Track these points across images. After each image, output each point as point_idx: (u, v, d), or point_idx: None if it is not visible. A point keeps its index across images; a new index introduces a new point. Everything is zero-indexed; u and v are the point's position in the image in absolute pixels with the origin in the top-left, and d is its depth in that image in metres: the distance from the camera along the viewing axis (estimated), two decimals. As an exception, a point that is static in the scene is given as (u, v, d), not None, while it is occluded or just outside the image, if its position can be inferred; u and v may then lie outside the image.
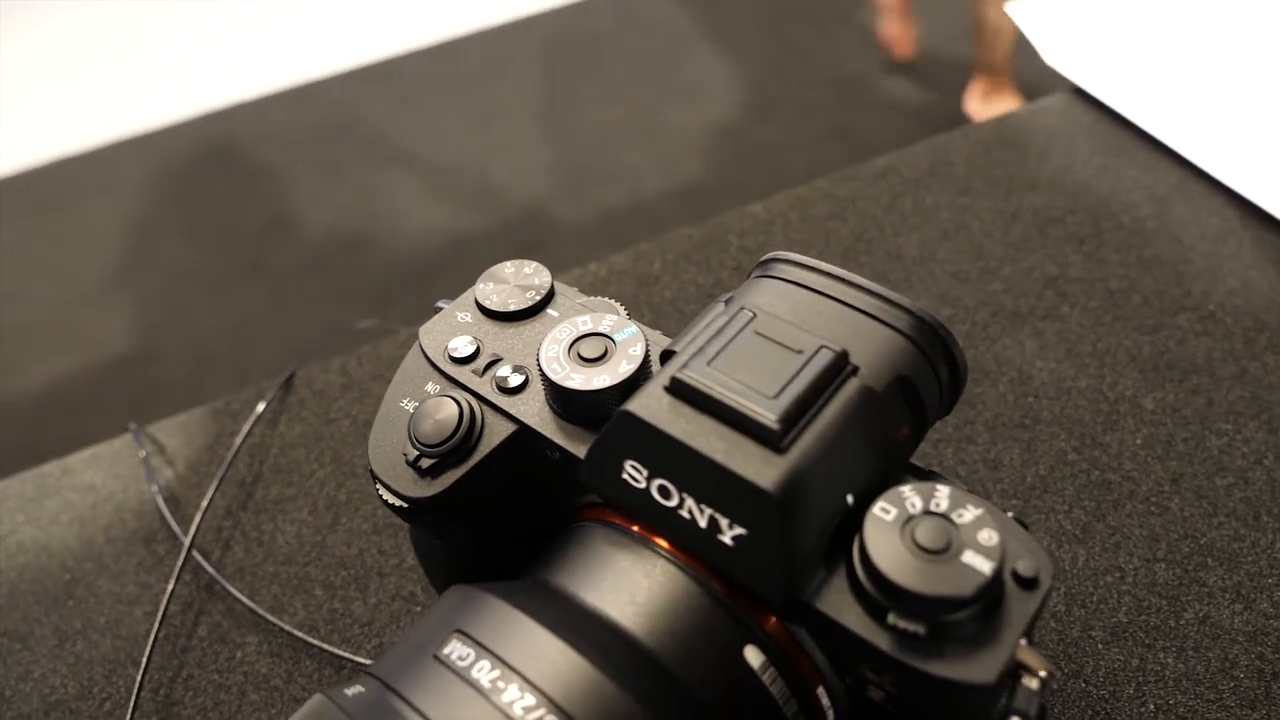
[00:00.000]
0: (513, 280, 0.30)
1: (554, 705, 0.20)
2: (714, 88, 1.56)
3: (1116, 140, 0.49)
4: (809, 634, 0.23)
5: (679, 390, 0.23)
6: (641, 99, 1.57)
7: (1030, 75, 0.46)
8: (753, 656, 0.23)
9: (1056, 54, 0.53)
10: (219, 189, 1.58)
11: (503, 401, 0.27)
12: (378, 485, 0.28)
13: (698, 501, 0.22)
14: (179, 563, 0.37)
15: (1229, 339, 0.40)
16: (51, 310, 1.40)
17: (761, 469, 0.21)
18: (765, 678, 0.23)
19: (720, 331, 0.24)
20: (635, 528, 0.24)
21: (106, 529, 0.39)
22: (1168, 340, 0.40)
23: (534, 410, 0.27)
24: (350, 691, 0.22)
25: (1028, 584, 0.22)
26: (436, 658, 0.22)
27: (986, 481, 0.36)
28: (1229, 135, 0.47)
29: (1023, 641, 0.21)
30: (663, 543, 0.24)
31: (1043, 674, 0.21)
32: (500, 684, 0.21)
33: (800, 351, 0.23)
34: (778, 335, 0.23)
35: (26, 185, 1.66)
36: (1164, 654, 0.32)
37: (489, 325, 0.29)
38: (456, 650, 0.22)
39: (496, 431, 0.27)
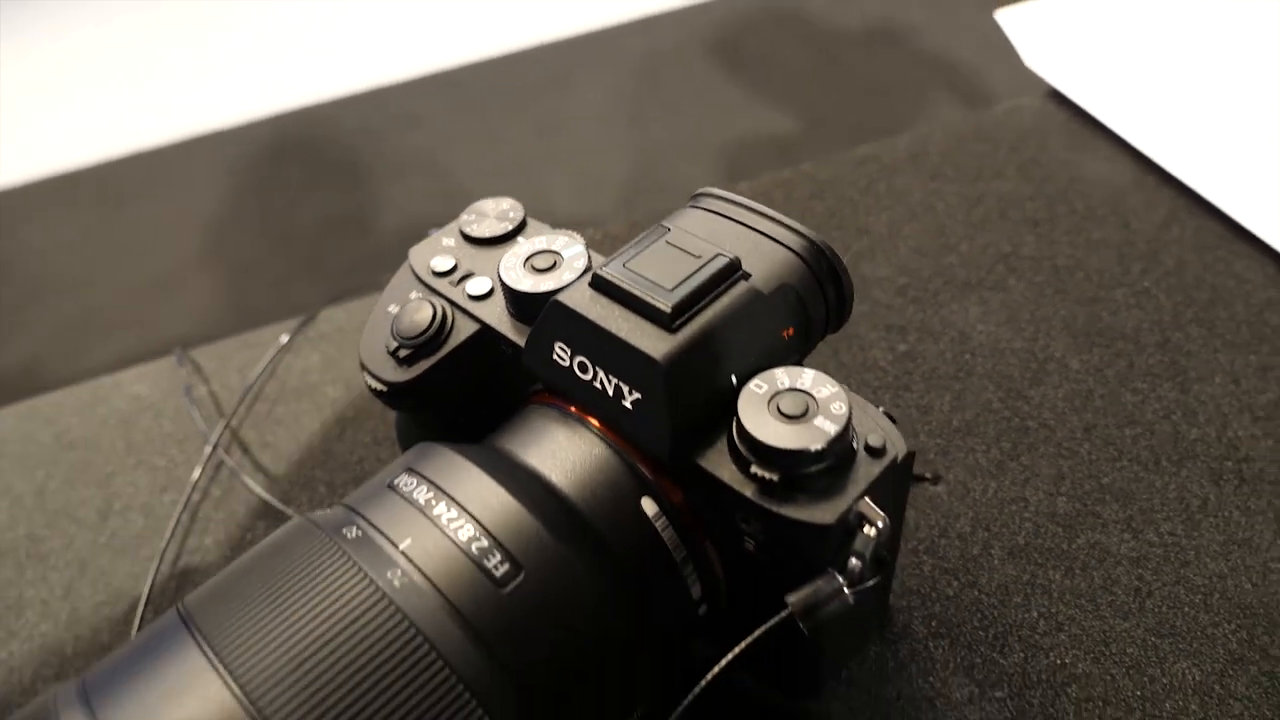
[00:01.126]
0: (492, 213, 0.35)
1: (475, 520, 0.25)
2: (764, 104, 1.60)
3: (1083, 137, 0.53)
4: (695, 491, 0.27)
5: (598, 284, 0.28)
6: (698, 115, 1.63)
7: (1010, 79, 0.50)
8: (648, 506, 0.27)
9: (1037, 59, 0.57)
10: (286, 188, 1.68)
11: (471, 306, 0.32)
12: (365, 373, 0.33)
13: (607, 373, 0.27)
14: (204, 458, 0.43)
15: (1158, 311, 0.43)
16: (118, 294, 1.50)
17: (654, 344, 0.26)
18: (658, 525, 0.27)
19: (640, 242, 0.29)
20: (572, 408, 0.29)
21: (146, 430, 0.45)
22: (1101, 311, 0.44)
23: (495, 314, 0.32)
24: (320, 514, 0.27)
25: (876, 453, 0.26)
26: (389, 486, 0.27)
27: (916, 423, 0.40)
28: (1184, 134, 0.51)
29: (866, 499, 0.25)
30: (589, 419, 0.29)
31: (880, 524, 0.25)
32: (433, 502, 0.26)
33: (699, 257, 0.27)
34: (684, 245, 0.28)
35: (102, 176, 1.77)
36: (1053, 571, 0.35)
37: (467, 248, 0.34)
38: (404, 481, 0.27)
39: (463, 329, 0.32)
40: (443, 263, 0.34)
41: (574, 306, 0.27)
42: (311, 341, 0.48)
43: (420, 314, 0.32)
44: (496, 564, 0.25)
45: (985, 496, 0.38)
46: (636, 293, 0.27)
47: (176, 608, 0.24)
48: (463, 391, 0.33)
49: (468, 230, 0.35)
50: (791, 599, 0.25)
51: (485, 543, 0.25)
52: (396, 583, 0.24)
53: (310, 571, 0.24)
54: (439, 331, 0.32)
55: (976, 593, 0.35)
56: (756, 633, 0.26)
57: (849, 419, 0.25)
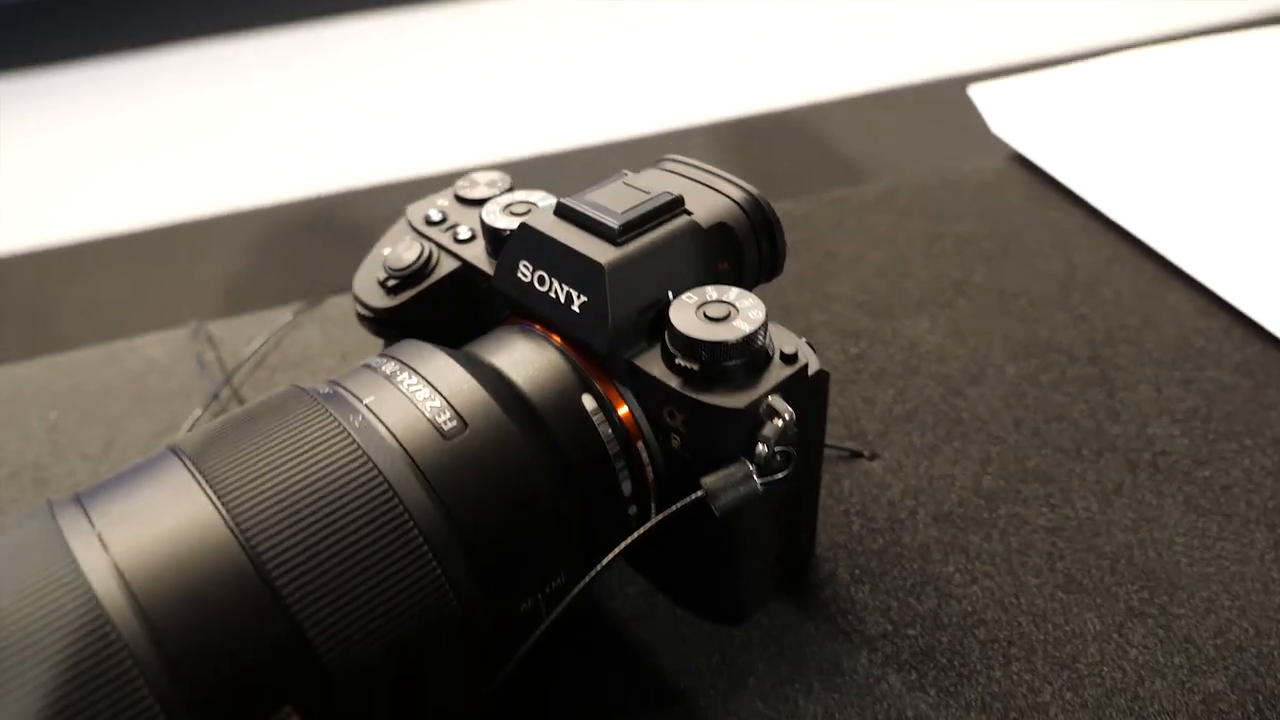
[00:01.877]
0: (482, 181, 0.40)
1: (432, 386, 0.29)
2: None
3: (1040, 191, 0.58)
4: (631, 393, 0.31)
5: (559, 211, 0.32)
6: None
7: (978, 145, 0.56)
8: (588, 402, 0.31)
9: (1004, 127, 0.63)
10: (326, 263, 1.75)
11: (455, 248, 0.37)
12: (356, 304, 0.37)
13: (561, 282, 0.31)
14: (205, 403, 0.46)
15: (1092, 333, 0.47)
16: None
17: (601, 253, 0.30)
18: (595, 419, 0.31)
19: (601, 184, 0.33)
20: (536, 326, 0.33)
21: (155, 387, 0.49)
22: (1040, 329, 0.47)
23: (474, 253, 0.36)
24: (311, 385, 0.30)
25: (789, 359, 0.30)
26: (367, 366, 0.30)
27: (860, 411, 0.44)
28: (1129, 188, 0.56)
29: (777, 395, 0.29)
30: (547, 333, 0.32)
31: (787, 416, 0.29)
32: (398, 374, 0.29)
33: (648, 193, 0.32)
34: (638, 184, 0.32)
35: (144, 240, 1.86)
36: (973, 535, 0.38)
37: (458, 206, 0.39)
38: (378, 361, 0.30)
39: (446, 266, 0.36)
40: (435, 214, 0.38)
41: (538, 227, 0.31)
42: (317, 321, 0.52)
43: (409, 251, 0.37)
44: (445, 420, 0.28)
45: (917, 472, 0.41)
46: (591, 215, 0.31)
47: (166, 446, 0.28)
48: (442, 324, 0.37)
49: (460, 193, 0.39)
50: (705, 480, 0.28)
51: (438, 403, 0.28)
52: (357, 423, 0.27)
53: (284, 414, 0.28)
54: (424, 266, 0.36)
55: (899, 550, 0.38)
56: (673, 508, 0.29)
57: (764, 323, 0.29)
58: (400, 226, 0.39)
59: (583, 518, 0.30)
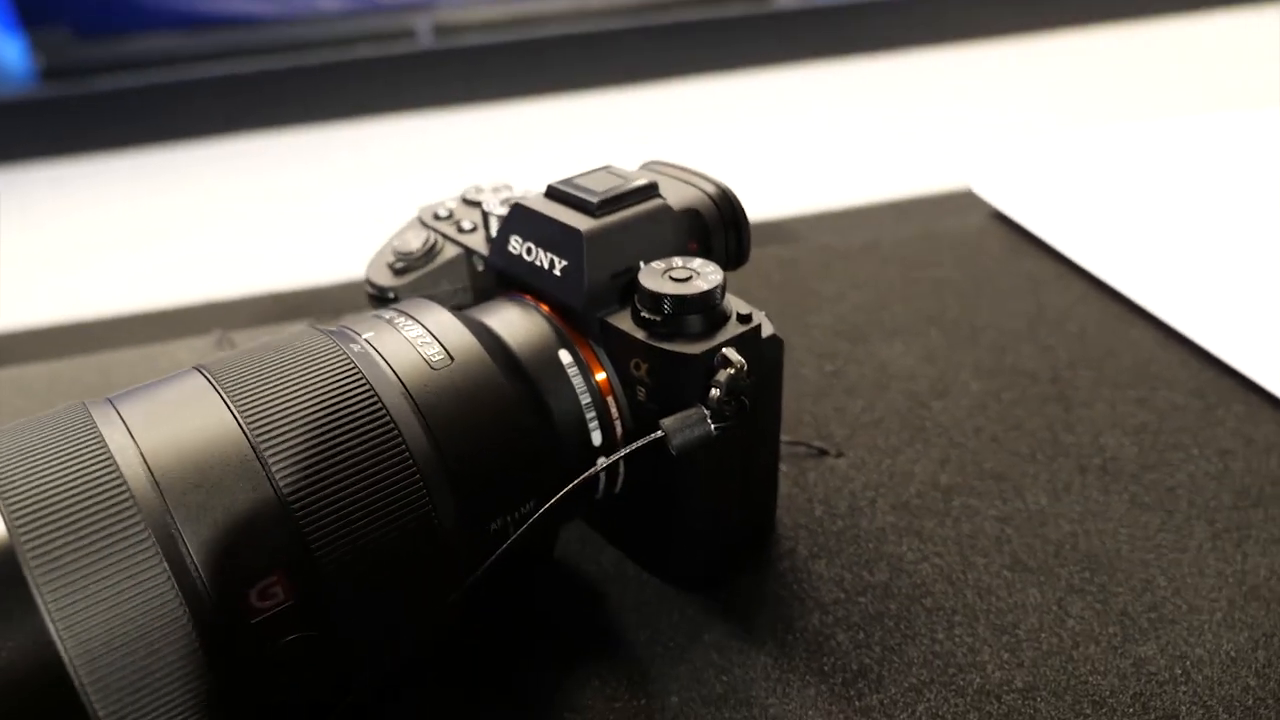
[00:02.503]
0: (489, 188, 0.44)
1: (425, 328, 0.32)
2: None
3: (1017, 244, 0.61)
4: (604, 352, 0.34)
5: (549, 193, 0.36)
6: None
7: (959, 205, 0.61)
8: (564, 356, 0.34)
9: (985, 188, 0.67)
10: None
11: (457, 236, 0.41)
12: (367, 285, 0.41)
13: (545, 251, 0.35)
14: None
15: (1055, 362, 0.50)
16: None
17: (580, 222, 0.34)
18: (570, 372, 0.34)
19: (589, 172, 0.37)
20: (525, 296, 0.37)
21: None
22: (1006, 357, 0.50)
23: (475, 241, 0.40)
24: (322, 325, 0.34)
25: (744, 319, 0.33)
26: (375, 315, 0.34)
27: (830, 419, 0.47)
28: (1100, 239, 0.59)
29: (731, 348, 0.32)
30: (540, 303, 0.36)
31: (739, 366, 0.32)
32: (402, 323, 0.33)
33: (626, 179, 0.36)
34: (619, 173, 0.36)
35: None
36: (927, 520, 0.40)
37: (464, 205, 0.43)
38: (384, 311, 0.34)
39: (449, 252, 0.40)
40: (442, 211, 0.42)
41: (528, 205, 0.36)
42: (334, 334, 0.56)
43: (416, 239, 0.41)
44: (433, 354, 0.31)
45: (879, 468, 0.43)
46: (574, 194, 0.35)
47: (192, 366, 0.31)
48: (443, 303, 0.40)
49: (466, 197, 0.44)
50: (664, 421, 0.32)
51: (429, 341, 0.32)
52: (356, 350, 0.31)
53: (293, 342, 0.31)
54: (429, 251, 0.40)
55: (857, 532, 0.40)
56: (634, 444, 0.32)
57: (722, 285, 0.33)
58: (411, 222, 0.43)
59: (555, 457, 0.33)
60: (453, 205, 0.43)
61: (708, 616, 0.36)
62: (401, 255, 0.40)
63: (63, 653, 0.24)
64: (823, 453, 0.44)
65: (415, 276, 0.40)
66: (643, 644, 0.35)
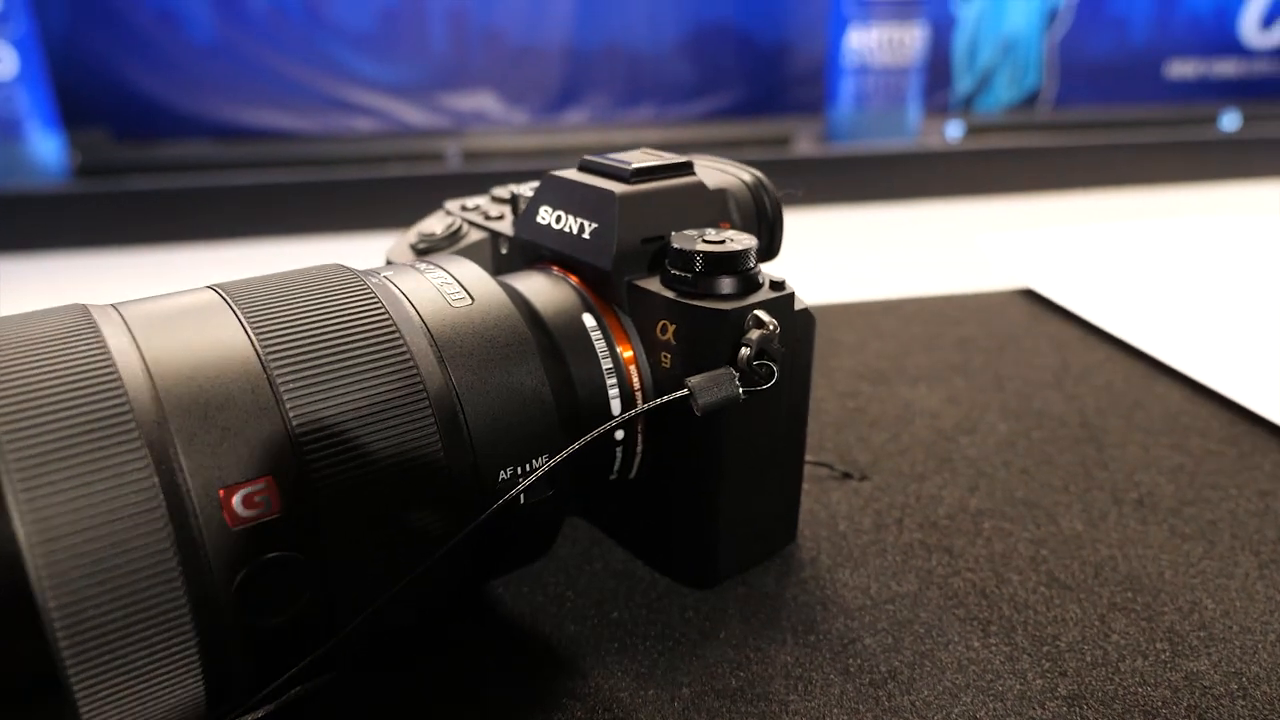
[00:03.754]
0: (512, 187, 0.44)
1: (451, 275, 0.31)
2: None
3: (1039, 313, 0.61)
4: (630, 316, 0.33)
5: (583, 165, 0.36)
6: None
7: (983, 284, 0.61)
8: (588, 320, 0.33)
9: (1008, 266, 0.67)
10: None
11: (484, 222, 0.40)
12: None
13: (575, 217, 0.34)
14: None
15: (1084, 408, 0.48)
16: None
17: (615, 187, 0.33)
18: (593, 335, 0.33)
19: (623, 151, 0.37)
20: (553, 267, 0.36)
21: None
22: (1034, 402, 0.49)
23: (500, 226, 0.40)
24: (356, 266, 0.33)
25: (777, 286, 0.32)
26: (410, 265, 0.33)
27: (854, 447, 0.45)
28: (1126, 307, 0.59)
29: (762, 310, 0.31)
30: (568, 274, 0.35)
31: (771, 327, 0.31)
32: (425, 267, 0.32)
33: (660, 157, 0.36)
34: (654, 153, 0.36)
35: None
36: (958, 539, 0.38)
37: (492, 202, 0.43)
38: (420, 264, 0.33)
39: (473, 235, 0.40)
40: (470, 203, 0.42)
41: (561, 174, 0.35)
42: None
43: (440, 222, 0.40)
44: (453, 293, 0.30)
45: (906, 491, 0.41)
46: (609, 164, 0.35)
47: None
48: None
49: (496, 194, 0.43)
50: (690, 380, 0.30)
51: (450, 282, 0.31)
52: (374, 282, 0.30)
53: (311, 270, 0.30)
54: (454, 234, 0.40)
55: (883, 546, 0.38)
56: (654, 402, 0.30)
57: (755, 248, 0.32)
58: (436, 213, 0.43)
59: (573, 417, 0.31)
60: (480, 200, 0.43)
61: (723, 616, 0.34)
62: (425, 236, 0.40)
63: (19, 533, 0.21)
64: (846, 476, 0.42)
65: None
66: (653, 638, 0.33)
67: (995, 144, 2.74)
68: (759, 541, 0.36)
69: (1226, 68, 3.11)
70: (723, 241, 0.32)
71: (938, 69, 2.86)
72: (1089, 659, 0.32)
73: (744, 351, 0.30)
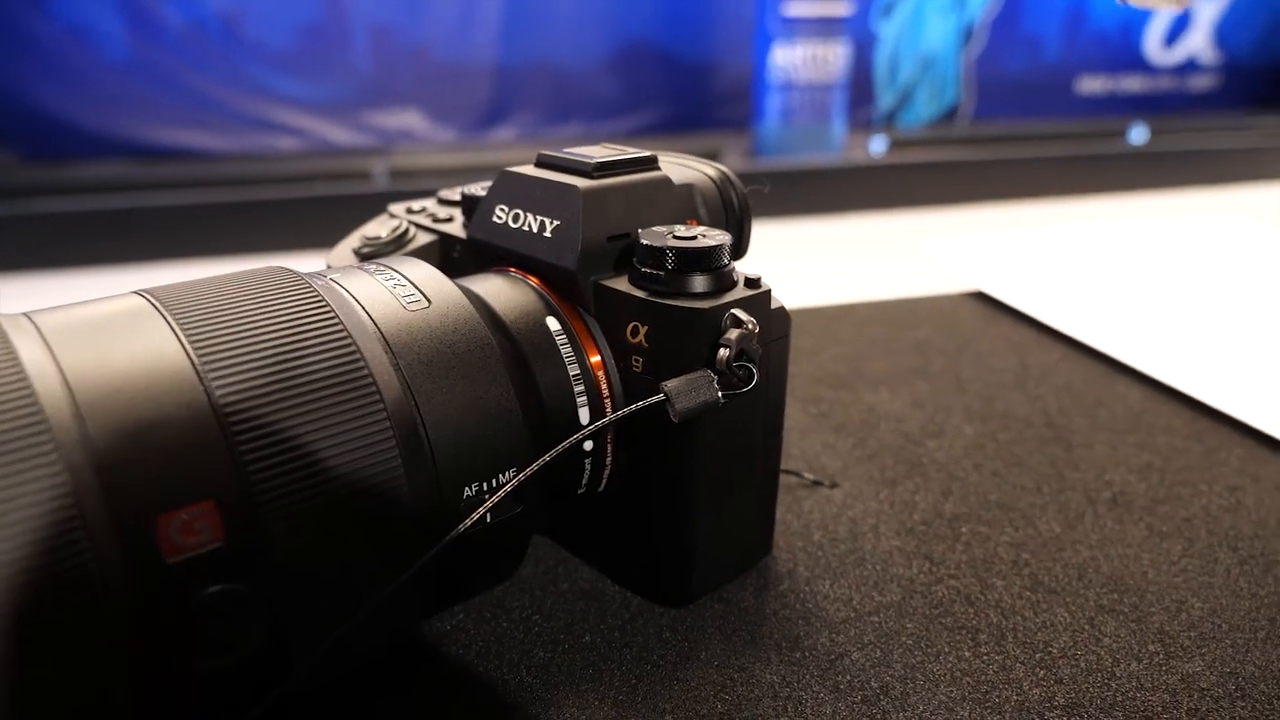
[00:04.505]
0: (460, 186, 0.42)
1: (404, 276, 0.29)
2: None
3: (991, 315, 0.61)
4: (596, 319, 0.31)
5: (540, 161, 0.34)
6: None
7: (931, 287, 0.61)
8: (552, 323, 0.31)
9: (955, 268, 0.67)
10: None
11: (432, 225, 0.38)
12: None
13: (535, 215, 0.32)
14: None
15: (1046, 409, 0.48)
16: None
17: (577, 181, 0.31)
18: (558, 339, 0.31)
19: (581, 146, 0.35)
20: (510, 269, 0.33)
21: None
22: (997, 404, 0.48)
23: (451, 228, 0.37)
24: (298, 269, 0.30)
25: (752, 284, 0.30)
26: (357, 267, 0.30)
27: (821, 454, 0.43)
28: (1076, 307, 0.59)
29: (740, 309, 0.29)
30: (527, 275, 0.33)
31: (749, 326, 0.29)
32: (374, 269, 0.29)
33: (622, 150, 0.34)
34: (614, 147, 0.34)
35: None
36: (937, 545, 0.37)
37: (438, 205, 0.40)
38: (369, 265, 0.31)
39: (421, 239, 0.37)
40: (416, 206, 0.40)
41: (518, 170, 0.33)
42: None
43: (385, 225, 0.38)
44: (408, 296, 0.28)
45: (878, 498, 0.40)
46: (569, 158, 0.33)
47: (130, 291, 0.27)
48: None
49: (443, 196, 0.41)
50: (666, 384, 0.28)
51: (404, 284, 0.29)
52: (319, 284, 0.27)
53: (248, 273, 0.27)
54: (400, 238, 0.37)
55: (861, 555, 0.36)
56: (629, 409, 0.28)
57: (729, 244, 0.30)
58: (380, 216, 0.40)
59: (539, 427, 0.29)
60: (427, 203, 0.41)
61: (702, 634, 0.32)
62: (369, 240, 0.37)
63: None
64: (816, 483, 0.41)
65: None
66: (630, 662, 0.31)
67: (918, 158, 2.79)
68: (736, 555, 0.34)
69: (1133, 84, 3.23)
70: (694, 237, 0.30)
71: (860, 86, 2.90)
72: (1083, 665, 0.30)
73: (723, 352, 0.28)
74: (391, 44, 2.61)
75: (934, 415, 0.47)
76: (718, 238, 0.30)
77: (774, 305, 0.31)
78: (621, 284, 0.30)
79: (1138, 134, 3.17)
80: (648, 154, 0.33)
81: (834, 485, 0.41)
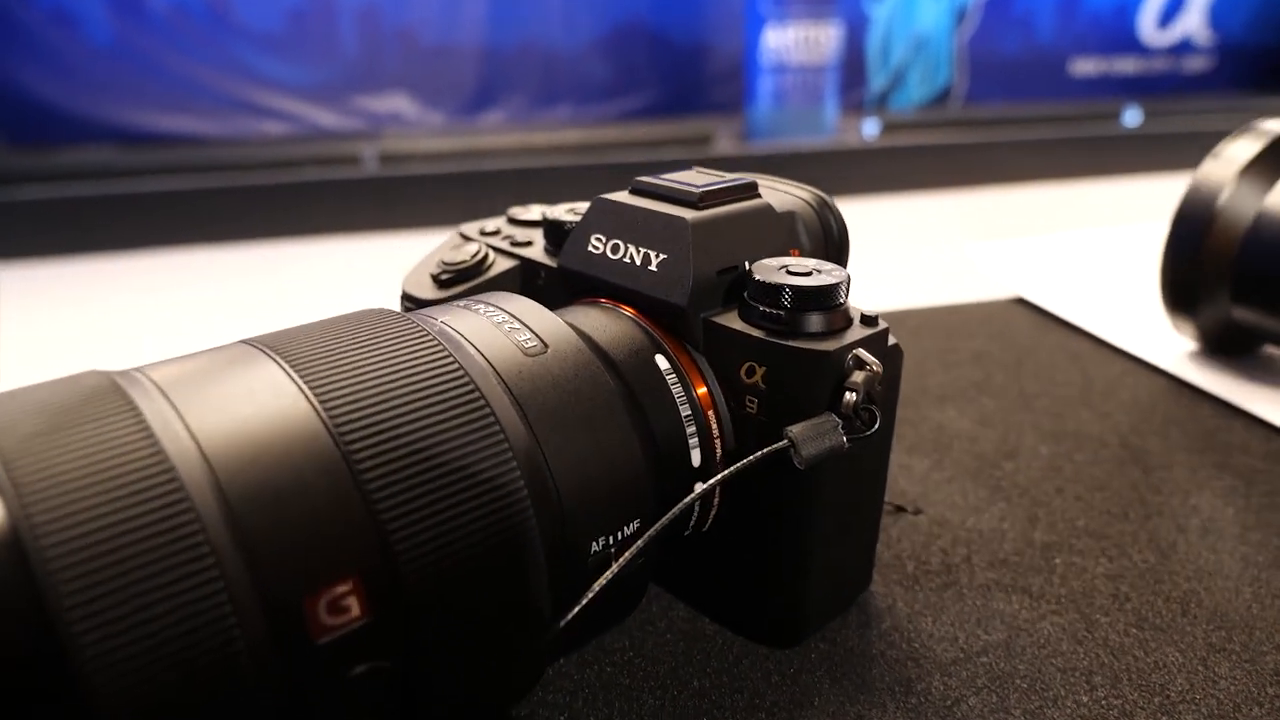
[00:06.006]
0: (535, 208, 0.40)
1: (515, 317, 0.28)
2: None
3: (1043, 324, 0.60)
4: (705, 356, 0.30)
5: (636, 188, 0.32)
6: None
7: (975, 291, 0.60)
8: (661, 362, 0.30)
9: (998, 274, 0.66)
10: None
11: (512, 249, 0.37)
12: (404, 301, 0.36)
13: (638, 247, 0.31)
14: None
15: (1119, 426, 0.47)
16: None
17: (684, 213, 0.30)
18: (669, 379, 0.29)
19: (675, 173, 0.34)
20: (605, 301, 0.32)
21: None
22: (1067, 422, 0.48)
23: (533, 252, 0.36)
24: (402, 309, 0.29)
25: (869, 321, 0.29)
26: (446, 304, 0.29)
27: (899, 476, 0.43)
28: (1120, 319, 0.58)
29: (862, 349, 0.28)
30: (624, 307, 0.31)
31: (874, 368, 0.28)
32: (482, 309, 0.28)
33: (724, 178, 0.32)
34: (712, 173, 0.33)
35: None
36: (1033, 578, 0.36)
37: (510, 225, 0.39)
38: (461, 300, 0.29)
39: (501, 265, 0.36)
40: (490, 227, 0.38)
41: (616, 199, 0.32)
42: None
43: (464, 250, 0.37)
44: (525, 340, 0.27)
45: (965, 525, 0.39)
46: (670, 187, 0.31)
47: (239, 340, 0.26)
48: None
49: (515, 215, 0.40)
50: (790, 429, 0.27)
51: (516, 325, 0.27)
52: (435, 328, 0.26)
53: (360, 317, 0.26)
54: (480, 263, 0.36)
55: (959, 589, 0.35)
56: (754, 456, 0.27)
57: (848, 281, 0.29)
58: (452, 239, 0.39)
59: (655, 471, 0.28)
60: (499, 224, 0.39)
61: (812, 678, 0.31)
62: (448, 266, 0.36)
63: (80, 672, 0.17)
64: (900, 509, 0.40)
65: (464, 289, 0.35)
66: (742, 709, 0.30)
67: (910, 140, 2.78)
68: (841, 591, 0.34)
69: (1127, 65, 3.23)
70: (809, 274, 0.29)
71: (853, 67, 2.89)
72: (1204, 710, 0.30)
73: (849, 396, 0.27)
74: (379, 27, 2.57)
75: (1006, 435, 0.46)
76: (835, 274, 0.29)
77: (890, 343, 0.30)
78: (734, 321, 0.29)
79: (1132, 116, 3.17)
80: (748, 179, 0.32)
81: (918, 512, 0.40)
